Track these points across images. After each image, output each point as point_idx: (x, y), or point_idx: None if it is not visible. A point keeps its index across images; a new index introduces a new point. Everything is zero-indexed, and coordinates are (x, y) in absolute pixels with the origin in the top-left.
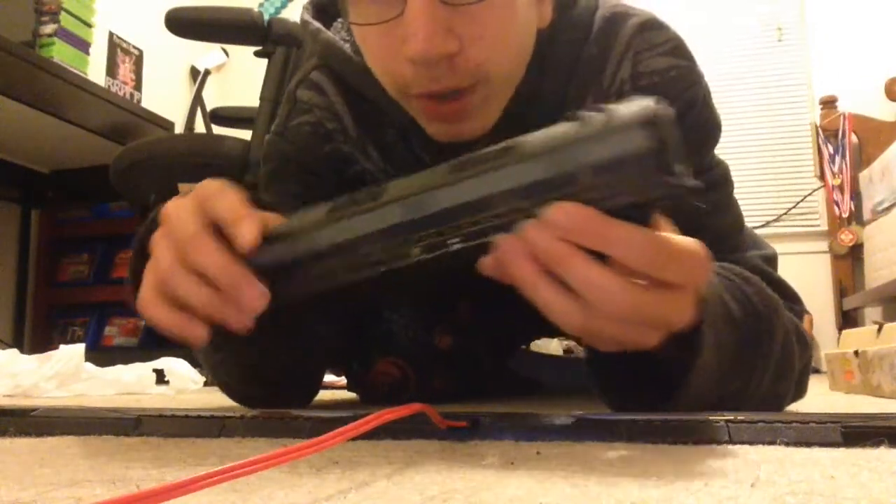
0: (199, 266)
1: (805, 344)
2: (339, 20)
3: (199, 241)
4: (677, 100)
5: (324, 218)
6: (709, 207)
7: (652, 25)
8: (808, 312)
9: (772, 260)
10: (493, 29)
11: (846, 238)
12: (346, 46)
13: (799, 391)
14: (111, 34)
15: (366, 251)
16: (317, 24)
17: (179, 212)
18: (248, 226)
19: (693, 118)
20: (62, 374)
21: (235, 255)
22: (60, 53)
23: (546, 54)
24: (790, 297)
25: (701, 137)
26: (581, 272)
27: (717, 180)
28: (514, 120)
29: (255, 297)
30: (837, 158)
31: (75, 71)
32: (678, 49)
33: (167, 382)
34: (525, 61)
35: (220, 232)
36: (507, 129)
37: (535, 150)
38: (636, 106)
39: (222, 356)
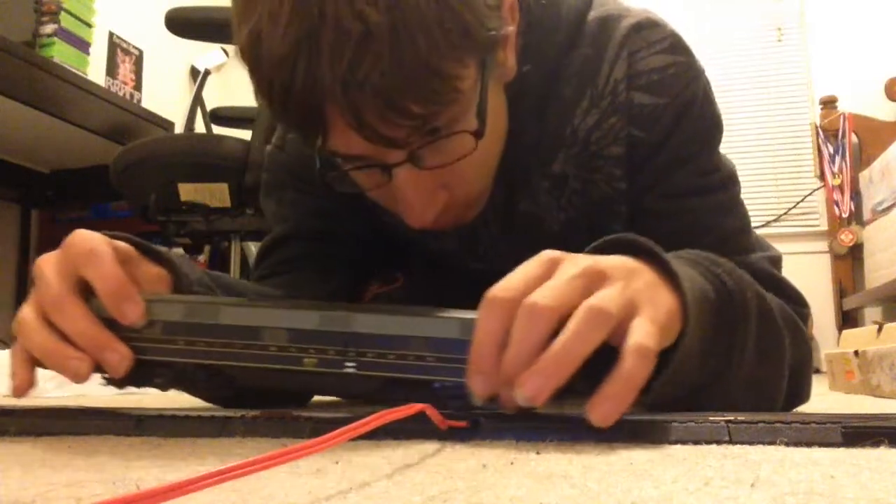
0: (59, 325)
1: (800, 336)
2: None
3: (64, 304)
4: (678, 96)
5: (234, 301)
6: (715, 208)
7: (647, 24)
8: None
9: (777, 262)
10: (473, 168)
11: (846, 238)
12: None
13: (797, 389)
14: (111, 34)
15: (263, 343)
16: None
17: (49, 269)
18: (132, 307)
19: (695, 115)
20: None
21: (97, 318)
22: (60, 53)
23: (528, 57)
24: (795, 300)
25: (704, 134)
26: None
27: (723, 181)
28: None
29: (116, 361)
30: (837, 158)
31: (75, 71)
32: (675, 45)
33: None
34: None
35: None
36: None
37: (454, 314)
38: None
39: None
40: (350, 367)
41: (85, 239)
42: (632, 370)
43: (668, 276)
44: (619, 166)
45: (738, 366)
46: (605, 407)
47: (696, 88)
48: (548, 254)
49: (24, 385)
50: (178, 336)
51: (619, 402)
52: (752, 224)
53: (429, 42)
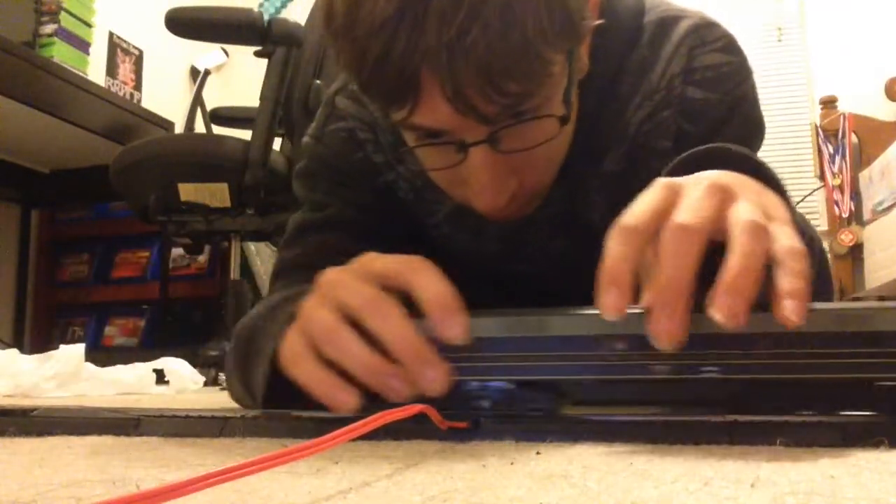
0: (375, 330)
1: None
2: None
3: (380, 306)
4: (730, 94)
5: (558, 311)
6: None
7: (704, 24)
8: None
9: (820, 243)
10: (545, 158)
11: (846, 238)
12: None
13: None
14: (111, 34)
15: (602, 353)
16: None
17: (347, 278)
18: (460, 322)
19: (743, 113)
20: (62, 374)
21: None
22: (60, 53)
23: (590, 57)
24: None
25: (749, 134)
26: None
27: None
28: None
29: (438, 378)
30: (837, 158)
31: (75, 71)
32: (730, 45)
33: (167, 382)
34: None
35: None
36: None
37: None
38: None
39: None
40: (710, 372)
41: (384, 258)
42: (796, 269)
43: (768, 182)
44: (665, 160)
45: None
46: (789, 304)
47: (747, 88)
48: (662, 181)
49: (354, 403)
50: (505, 353)
51: (801, 298)
52: None
53: (536, 22)
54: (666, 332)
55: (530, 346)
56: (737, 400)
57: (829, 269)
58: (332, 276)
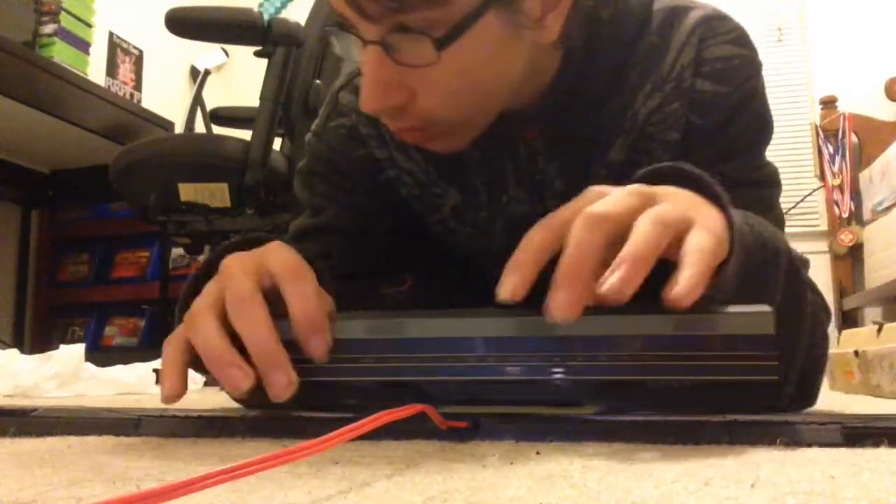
0: (237, 326)
1: (820, 332)
2: None
3: (247, 304)
4: (739, 88)
5: (420, 314)
6: (755, 202)
7: (715, 16)
8: None
9: (806, 265)
10: (441, 85)
11: (846, 238)
12: None
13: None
14: (111, 34)
15: (459, 355)
16: None
17: (238, 268)
18: (322, 342)
19: (752, 108)
20: (62, 374)
21: (275, 331)
22: (60, 53)
23: (593, 43)
24: (821, 306)
25: (757, 129)
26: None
27: (767, 179)
28: (557, 106)
29: (282, 385)
30: (837, 158)
31: (75, 71)
32: (741, 38)
33: None
34: (499, 97)
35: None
36: (551, 115)
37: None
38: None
39: None
40: (558, 373)
41: (285, 254)
42: (692, 261)
43: (713, 200)
44: (672, 152)
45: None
46: (678, 288)
47: (757, 83)
48: (594, 188)
49: (174, 393)
50: (365, 354)
51: (690, 285)
52: None
53: None
54: (557, 305)
55: (392, 348)
56: (590, 399)
57: (800, 278)
58: (228, 264)
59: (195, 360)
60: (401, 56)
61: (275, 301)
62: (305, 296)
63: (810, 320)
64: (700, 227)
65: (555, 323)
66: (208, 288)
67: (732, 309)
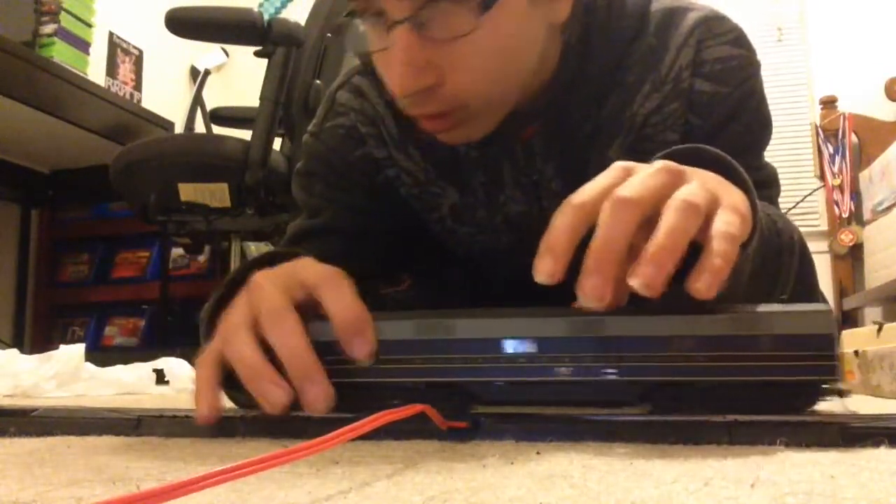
0: (270, 339)
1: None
2: None
3: (280, 317)
4: (738, 88)
5: (467, 314)
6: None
7: (714, 17)
8: None
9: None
10: (474, 61)
11: (846, 238)
12: None
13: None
14: (111, 34)
15: (509, 355)
16: None
17: (268, 282)
18: (366, 343)
19: (751, 108)
20: (62, 374)
21: (310, 344)
22: (60, 53)
23: (590, 42)
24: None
25: (756, 129)
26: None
27: (769, 179)
28: (555, 104)
29: (319, 397)
30: (837, 158)
31: (75, 71)
32: (739, 39)
33: (167, 382)
34: (523, 77)
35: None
36: (549, 113)
37: (722, 310)
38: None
39: None
40: (611, 374)
41: (320, 265)
42: (720, 250)
43: (735, 180)
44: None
45: (779, 300)
46: (704, 277)
47: (755, 84)
48: (619, 164)
49: (211, 414)
50: (412, 355)
51: (715, 275)
52: None
53: None
54: (591, 291)
55: (436, 349)
56: (644, 401)
57: (812, 268)
58: (257, 280)
59: (227, 380)
60: (433, 31)
61: (307, 314)
62: (345, 299)
63: (811, 278)
64: (726, 207)
65: (588, 308)
66: (238, 303)
67: (789, 308)
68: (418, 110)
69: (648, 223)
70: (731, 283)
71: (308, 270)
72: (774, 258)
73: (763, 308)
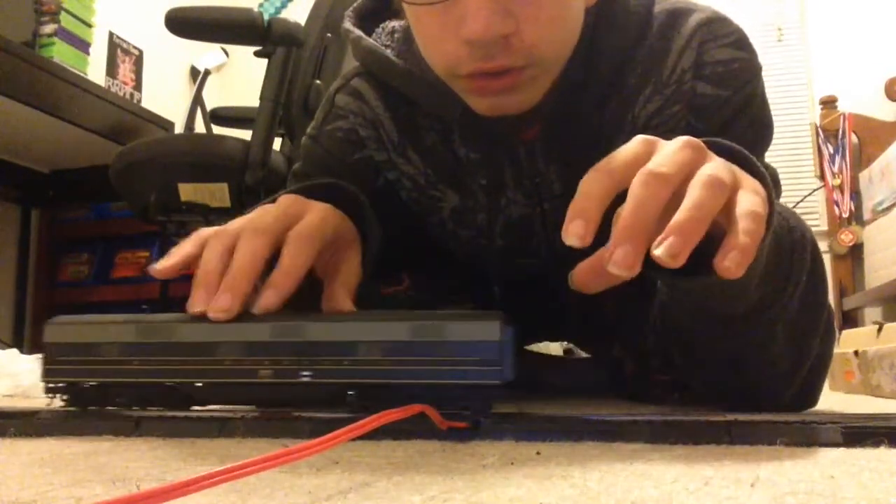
0: (235, 251)
1: (829, 330)
2: (381, 26)
3: (253, 239)
4: (739, 91)
5: (188, 318)
6: None
7: (716, 19)
8: None
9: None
10: (549, 10)
11: (846, 238)
12: (388, 52)
13: (812, 388)
14: (111, 34)
15: (218, 358)
16: (358, 32)
17: (282, 205)
18: (273, 294)
19: (753, 111)
20: None
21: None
22: (60, 53)
23: (595, 43)
24: None
25: (758, 132)
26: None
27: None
28: (558, 106)
29: (225, 305)
30: (837, 158)
31: (75, 71)
32: (741, 41)
33: None
34: (573, 43)
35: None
36: (552, 115)
37: (406, 317)
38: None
39: None
40: (306, 376)
41: (317, 218)
42: (748, 228)
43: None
44: None
45: (790, 299)
46: (732, 255)
47: (757, 86)
48: (641, 137)
49: (165, 272)
50: (134, 356)
51: (744, 253)
52: None
53: None
54: (622, 259)
55: (157, 351)
56: (334, 402)
57: (822, 265)
58: (282, 198)
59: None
60: None
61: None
62: (298, 255)
63: (826, 312)
64: (747, 188)
65: (620, 275)
66: (242, 219)
67: (463, 316)
68: (486, 63)
69: (675, 197)
70: (747, 273)
71: (303, 220)
72: (787, 255)
73: (440, 316)
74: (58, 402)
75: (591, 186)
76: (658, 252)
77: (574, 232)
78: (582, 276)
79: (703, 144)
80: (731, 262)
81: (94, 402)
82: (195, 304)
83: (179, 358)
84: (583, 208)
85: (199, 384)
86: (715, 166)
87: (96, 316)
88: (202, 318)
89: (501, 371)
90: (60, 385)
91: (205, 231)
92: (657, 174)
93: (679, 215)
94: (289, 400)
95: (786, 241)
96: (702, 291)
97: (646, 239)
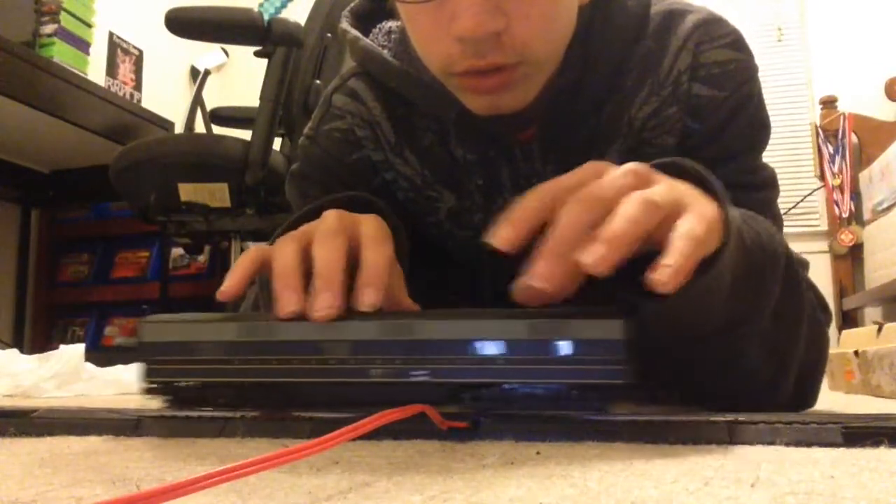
0: (315, 253)
1: (819, 333)
2: (378, 27)
3: (332, 238)
4: (736, 92)
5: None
6: (753, 206)
7: (712, 20)
8: None
9: (804, 267)
10: (540, 7)
11: (846, 238)
12: (385, 52)
13: (808, 390)
14: (111, 34)
15: (324, 357)
16: (355, 33)
17: (334, 216)
18: (375, 291)
19: (749, 112)
20: (62, 374)
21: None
22: (60, 53)
23: (592, 44)
24: (821, 306)
25: (754, 133)
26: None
27: (766, 182)
28: (555, 107)
29: (326, 304)
30: (837, 158)
31: (75, 71)
32: (738, 42)
33: None
34: (566, 41)
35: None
36: (549, 115)
37: (523, 314)
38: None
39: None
40: (420, 375)
41: (379, 223)
42: (682, 248)
43: (711, 195)
44: (669, 157)
45: (761, 316)
46: (661, 270)
47: (753, 87)
48: (591, 164)
49: (231, 291)
50: (235, 356)
51: (675, 269)
52: None
53: None
54: (541, 274)
55: (260, 350)
56: (451, 402)
57: (800, 280)
58: (327, 213)
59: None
60: None
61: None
62: (376, 255)
63: (808, 322)
64: (692, 212)
65: (542, 288)
66: (301, 228)
67: (585, 313)
68: (477, 61)
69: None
70: (708, 294)
71: (367, 224)
72: (757, 273)
73: (561, 313)
74: (157, 403)
75: (528, 203)
76: (582, 259)
77: (500, 235)
78: (519, 294)
79: (649, 171)
80: (661, 276)
81: (193, 403)
82: (287, 306)
83: (284, 357)
84: (514, 220)
85: (305, 384)
86: (653, 190)
87: (191, 314)
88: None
89: (626, 370)
90: (158, 386)
91: (259, 246)
92: (587, 196)
93: (605, 225)
94: (398, 400)
95: (756, 258)
96: (668, 311)
97: (565, 252)
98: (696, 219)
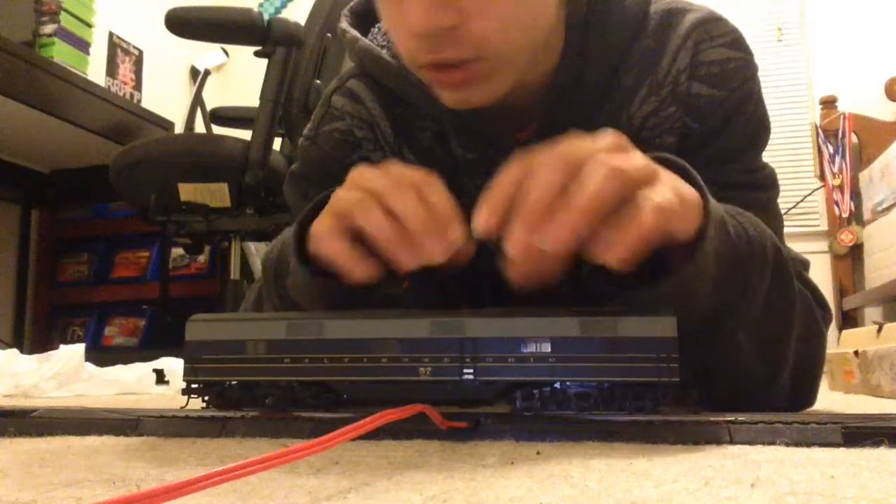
0: (393, 206)
1: (816, 329)
2: (377, 27)
3: (400, 190)
4: (735, 91)
5: (337, 315)
6: (753, 205)
7: (711, 19)
8: None
9: (804, 266)
10: (499, 4)
11: (846, 238)
12: (384, 52)
13: (807, 388)
14: (111, 34)
15: (374, 355)
16: (354, 32)
17: (373, 173)
18: (458, 227)
19: (748, 111)
20: (62, 374)
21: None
22: (60, 53)
23: (590, 43)
24: (821, 304)
25: (753, 132)
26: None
27: (765, 181)
28: (553, 106)
29: (453, 238)
30: (837, 158)
31: (75, 71)
32: (737, 41)
33: (167, 382)
34: (538, 37)
35: None
36: (547, 116)
37: (574, 312)
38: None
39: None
40: (468, 374)
41: (411, 169)
42: (640, 220)
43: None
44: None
45: (749, 308)
46: (613, 249)
47: (753, 86)
48: (575, 137)
49: (368, 272)
50: (284, 354)
51: (625, 244)
52: None
53: None
54: (514, 240)
55: (307, 349)
56: (500, 400)
57: (788, 271)
58: (355, 173)
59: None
60: None
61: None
62: (437, 195)
63: (801, 320)
64: (663, 185)
65: (512, 255)
66: (343, 189)
67: (636, 311)
68: (435, 55)
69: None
70: (696, 279)
71: (401, 171)
72: (743, 263)
73: (611, 311)
74: (198, 404)
75: (503, 180)
76: (540, 242)
77: (478, 222)
78: (510, 275)
79: (627, 143)
80: (611, 256)
81: (238, 403)
82: (410, 261)
83: (332, 355)
84: (490, 200)
85: (352, 383)
86: (625, 156)
87: (236, 314)
88: (352, 315)
89: (678, 369)
90: (200, 385)
91: (327, 225)
92: (556, 156)
93: (567, 204)
94: (448, 399)
95: (742, 248)
96: (655, 299)
97: (536, 221)
98: (667, 190)
